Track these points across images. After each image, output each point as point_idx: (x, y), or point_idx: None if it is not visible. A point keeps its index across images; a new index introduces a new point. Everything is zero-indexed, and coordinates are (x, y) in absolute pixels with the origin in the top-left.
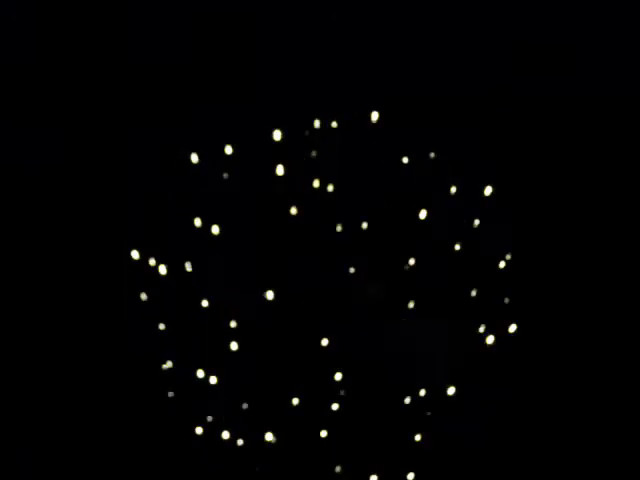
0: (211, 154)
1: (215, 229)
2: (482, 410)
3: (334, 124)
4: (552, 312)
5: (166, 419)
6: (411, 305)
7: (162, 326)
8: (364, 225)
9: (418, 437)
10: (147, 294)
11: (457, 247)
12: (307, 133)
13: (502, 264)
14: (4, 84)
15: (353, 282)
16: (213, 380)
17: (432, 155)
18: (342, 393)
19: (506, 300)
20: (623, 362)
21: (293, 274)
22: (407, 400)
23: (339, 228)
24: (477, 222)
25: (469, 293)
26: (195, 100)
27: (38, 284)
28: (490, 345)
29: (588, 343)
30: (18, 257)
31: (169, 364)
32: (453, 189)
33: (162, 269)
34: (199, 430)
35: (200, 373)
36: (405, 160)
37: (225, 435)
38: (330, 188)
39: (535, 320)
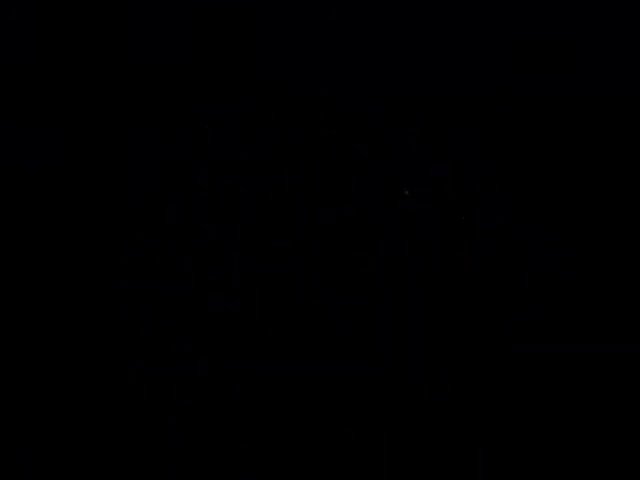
0: (211, 154)
1: (214, 230)
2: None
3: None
4: (551, 312)
5: (165, 418)
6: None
7: (160, 324)
8: (362, 224)
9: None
10: (145, 294)
11: (456, 247)
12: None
13: (502, 263)
14: (4, 84)
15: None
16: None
17: (431, 155)
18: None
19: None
20: (623, 359)
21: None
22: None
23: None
24: (476, 221)
25: (468, 293)
26: (195, 100)
27: (38, 284)
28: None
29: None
30: (18, 257)
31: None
32: (452, 188)
33: (161, 268)
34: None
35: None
36: (405, 159)
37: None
38: (330, 185)
39: (535, 322)
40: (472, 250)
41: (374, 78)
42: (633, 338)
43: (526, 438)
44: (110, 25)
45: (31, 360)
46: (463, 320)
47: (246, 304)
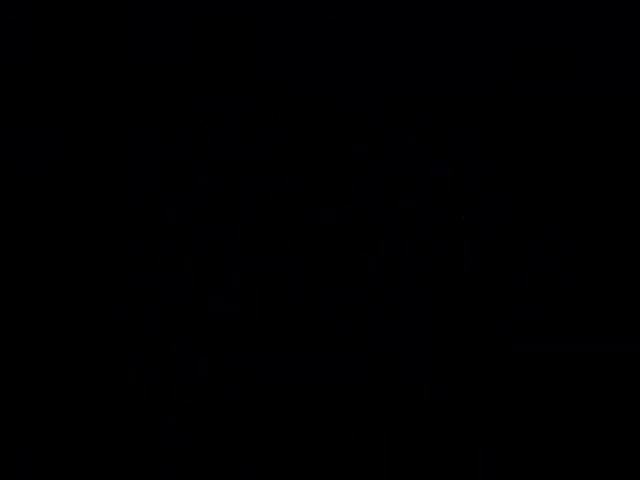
0: (211, 154)
1: (214, 230)
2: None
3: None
4: (551, 312)
5: (165, 418)
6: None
7: (161, 324)
8: (363, 223)
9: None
10: (145, 294)
11: (456, 247)
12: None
13: (502, 263)
14: (4, 84)
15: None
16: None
17: (432, 155)
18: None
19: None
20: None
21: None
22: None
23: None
24: (476, 221)
25: (469, 293)
26: (195, 100)
27: (38, 284)
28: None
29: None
30: (18, 257)
31: None
32: (452, 188)
33: (161, 268)
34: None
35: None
36: (405, 159)
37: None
38: (330, 185)
39: (535, 322)
40: (472, 250)
41: (374, 78)
42: (633, 338)
43: (526, 438)
44: (110, 25)
45: (31, 360)
46: (463, 320)
47: (246, 304)
